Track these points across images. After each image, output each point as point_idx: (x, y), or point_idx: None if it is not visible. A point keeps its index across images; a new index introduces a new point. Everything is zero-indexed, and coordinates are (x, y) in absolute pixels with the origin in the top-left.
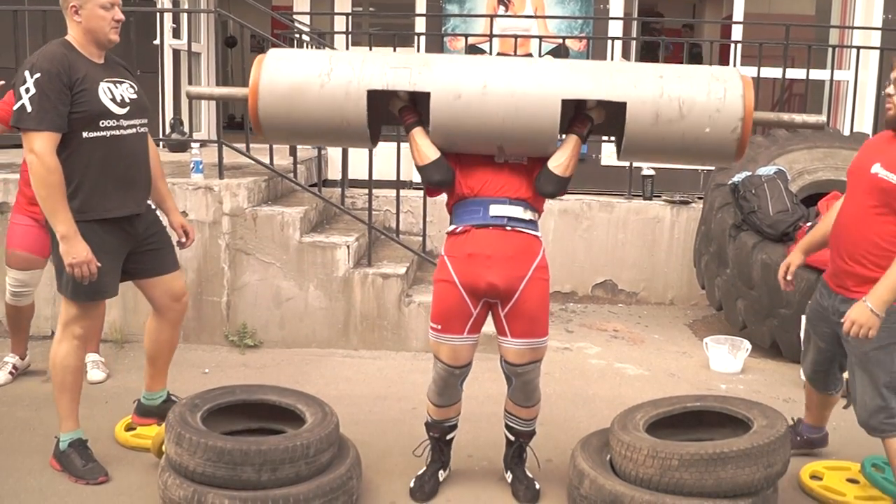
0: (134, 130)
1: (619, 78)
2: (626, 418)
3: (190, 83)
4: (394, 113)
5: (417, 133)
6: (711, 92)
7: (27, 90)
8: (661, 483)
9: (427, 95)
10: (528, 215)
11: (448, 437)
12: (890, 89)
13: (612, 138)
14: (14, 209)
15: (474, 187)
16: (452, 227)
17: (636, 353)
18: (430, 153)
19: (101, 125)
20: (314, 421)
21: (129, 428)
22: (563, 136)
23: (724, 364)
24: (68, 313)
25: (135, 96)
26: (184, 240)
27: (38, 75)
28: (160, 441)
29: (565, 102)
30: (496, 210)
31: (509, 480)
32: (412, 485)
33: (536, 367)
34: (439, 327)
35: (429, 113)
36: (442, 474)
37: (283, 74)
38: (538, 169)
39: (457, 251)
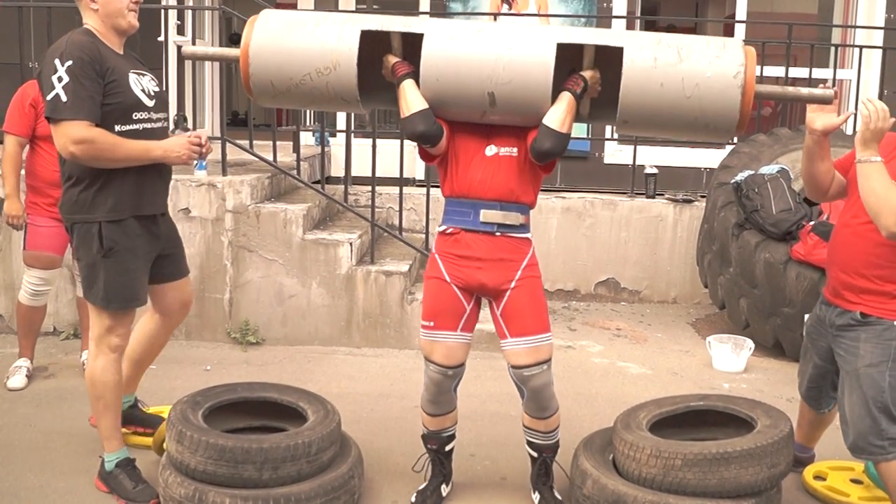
0: (161, 124)
1: (615, 33)
2: (628, 417)
3: (194, 80)
4: (387, 77)
5: (407, 84)
6: (710, 42)
7: (59, 79)
8: (665, 483)
9: (420, 46)
10: (518, 220)
11: (447, 448)
12: None
13: (611, 139)
14: (31, 212)
15: (464, 186)
16: (443, 226)
17: (639, 351)
18: (417, 104)
19: (133, 118)
20: (316, 419)
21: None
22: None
23: (727, 363)
24: (101, 325)
25: (157, 89)
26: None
27: (70, 62)
28: (161, 438)
29: (562, 59)
30: (487, 216)
31: (536, 502)
32: (413, 500)
33: (544, 371)
34: (431, 324)
35: (421, 62)
36: (444, 489)
37: (275, 22)
38: (529, 162)
39: (447, 252)
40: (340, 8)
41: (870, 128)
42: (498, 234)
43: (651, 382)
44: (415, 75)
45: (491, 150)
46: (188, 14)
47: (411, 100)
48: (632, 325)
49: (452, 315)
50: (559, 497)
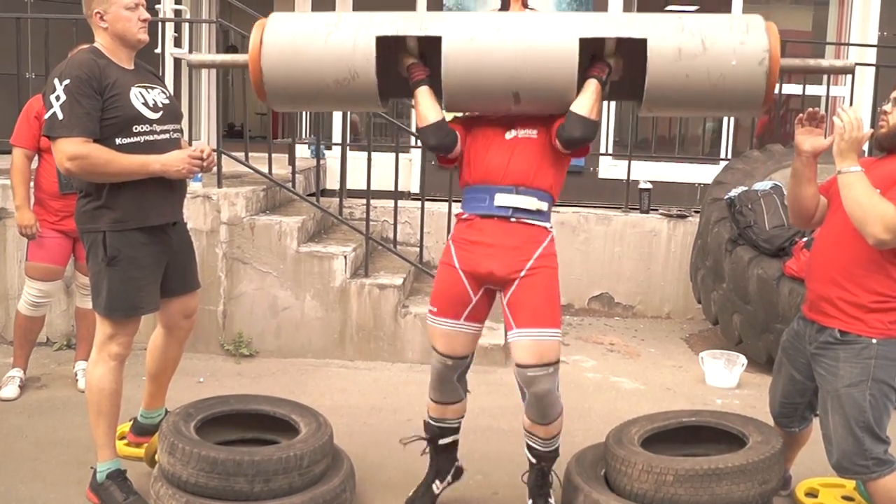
0: (168, 136)
1: (636, 20)
2: (621, 432)
3: (190, 91)
4: (403, 73)
5: (422, 92)
6: (734, 27)
7: (57, 98)
8: (656, 498)
9: (438, 45)
10: (534, 205)
11: (441, 441)
12: (887, 107)
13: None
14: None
15: (482, 173)
16: (460, 212)
17: (632, 366)
18: (431, 115)
19: (134, 131)
20: (308, 432)
21: (121, 437)
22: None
23: (720, 379)
24: (103, 332)
25: (167, 101)
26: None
27: (67, 81)
28: (153, 450)
29: (583, 47)
30: (501, 200)
31: None
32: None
33: (549, 374)
34: (436, 310)
35: (440, 67)
36: (437, 486)
37: (286, 28)
38: (549, 147)
39: (461, 237)
40: (337, 6)
41: (844, 139)
42: (513, 219)
43: (644, 398)
44: (430, 80)
45: (510, 134)
46: (185, 27)
47: (425, 111)
48: (625, 340)
49: (457, 303)
50: None
